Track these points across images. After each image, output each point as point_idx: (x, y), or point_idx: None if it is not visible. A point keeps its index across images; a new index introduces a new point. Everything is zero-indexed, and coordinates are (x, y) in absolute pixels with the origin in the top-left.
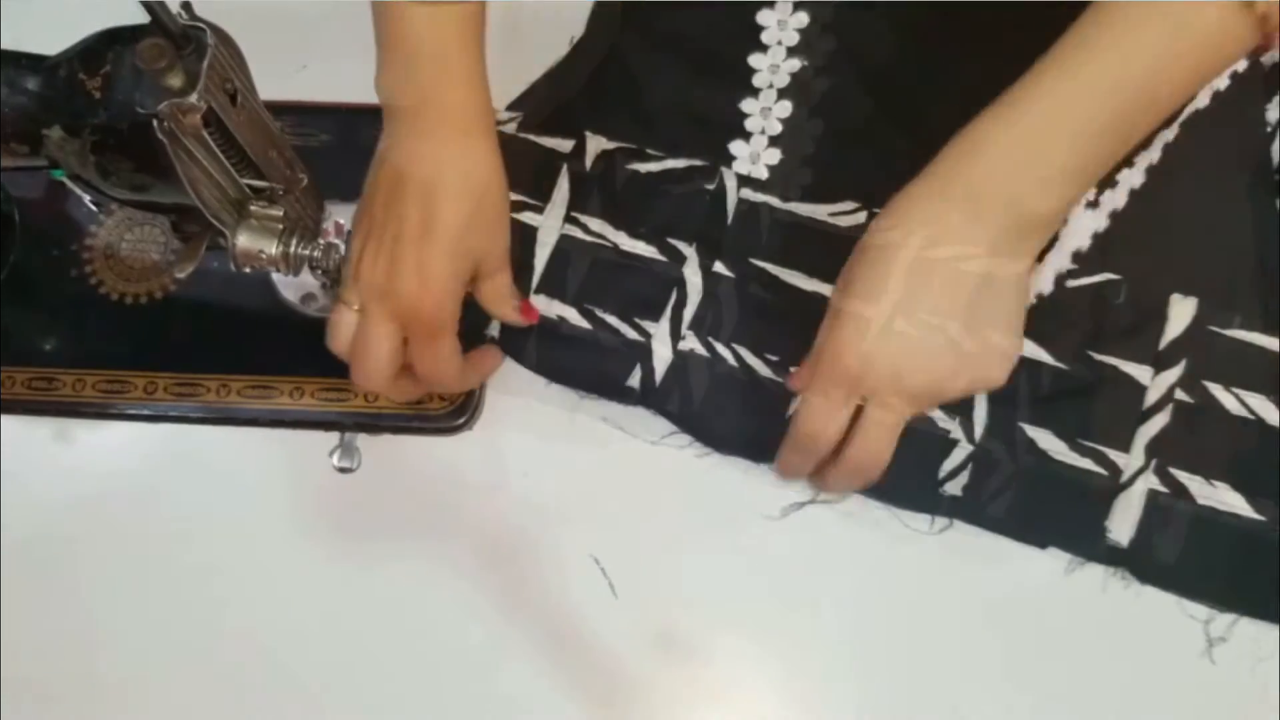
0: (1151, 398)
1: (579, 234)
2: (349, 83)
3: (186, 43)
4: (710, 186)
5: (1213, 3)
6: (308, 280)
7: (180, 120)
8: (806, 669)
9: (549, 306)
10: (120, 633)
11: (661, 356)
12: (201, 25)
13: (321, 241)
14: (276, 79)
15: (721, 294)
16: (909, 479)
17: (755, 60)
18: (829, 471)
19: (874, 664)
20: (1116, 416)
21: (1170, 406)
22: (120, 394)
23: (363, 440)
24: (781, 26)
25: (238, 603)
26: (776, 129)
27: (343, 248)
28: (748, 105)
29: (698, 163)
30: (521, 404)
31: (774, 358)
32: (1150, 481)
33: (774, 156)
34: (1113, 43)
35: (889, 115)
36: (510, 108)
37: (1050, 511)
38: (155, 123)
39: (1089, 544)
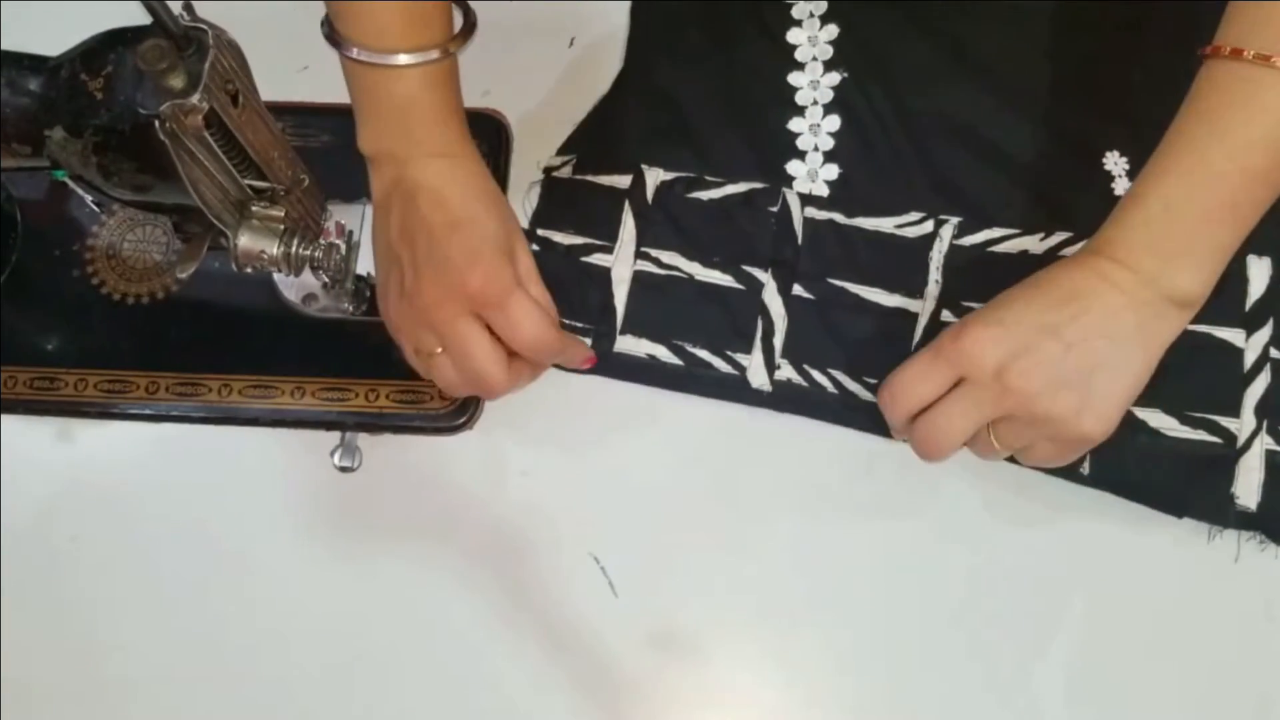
0: (1249, 359)
1: (652, 269)
2: None
3: (188, 44)
4: (774, 209)
5: None
6: (309, 280)
7: (182, 121)
8: (806, 669)
9: (638, 345)
10: (121, 632)
11: (759, 385)
12: (203, 26)
13: (323, 242)
14: (278, 80)
15: (806, 318)
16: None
17: (795, 79)
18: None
19: (875, 663)
20: (1220, 383)
21: (1269, 366)
22: (122, 394)
23: (363, 440)
24: (813, 43)
25: (238, 601)
26: (829, 144)
27: (343, 248)
28: (796, 124)
29: (758, 185)
30: (521, 404)
31: (872, 380)
32: (1266, 443)
33: (831, 172)
34: (1211, 139)
35: (935, 118)
36: (561, 151)
37: (1176, 485)
38: (157, 124)
39: (1221, 512)
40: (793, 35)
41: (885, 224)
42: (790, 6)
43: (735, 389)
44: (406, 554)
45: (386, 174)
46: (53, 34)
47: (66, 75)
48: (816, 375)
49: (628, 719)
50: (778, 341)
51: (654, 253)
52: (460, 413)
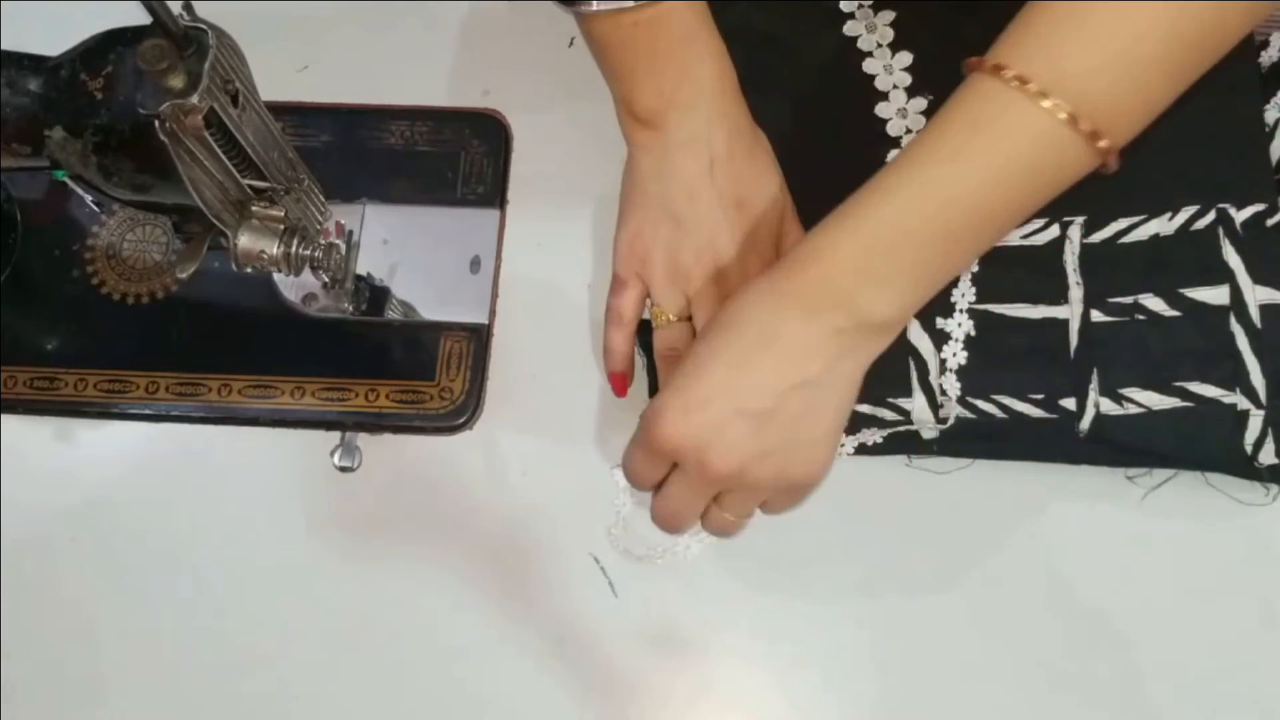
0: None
1: None
2: (349, 83)
3: (188, 44)
4: None
5: (1033, 130)
6: (309, 280)
7: (182, 121)
8: (806, 669)
9: None
10: (120, 632)
11: (928, 431)
12: (203, 26)
13: (322, 242)
14: (277, 80)
15: (956, 349)
16: (1219, 464)
17: (882, 110)
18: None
19: (875, 665)
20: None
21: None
22: (122, 394)
23: (363, 440)
24: (889, 71)
25: (238, 601)
26: None
27: (343, 248)
28: (894, 157)
29: None
30: (521, 404)
31: (1037, 396)
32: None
33: None
34: (945, 158)
35: None
36: None
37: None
38: (157, 123)
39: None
40: (868, 65)
41: (1011, 237)
42: (856, 40)
43: (905, 440)
44: (406, 554)
45: (671, 127)
46: (53, 34)
47: (66, 75)
48: (982, 405)
49: (627, 718)
50: (934, 380)
51: None
52: (460, 413)
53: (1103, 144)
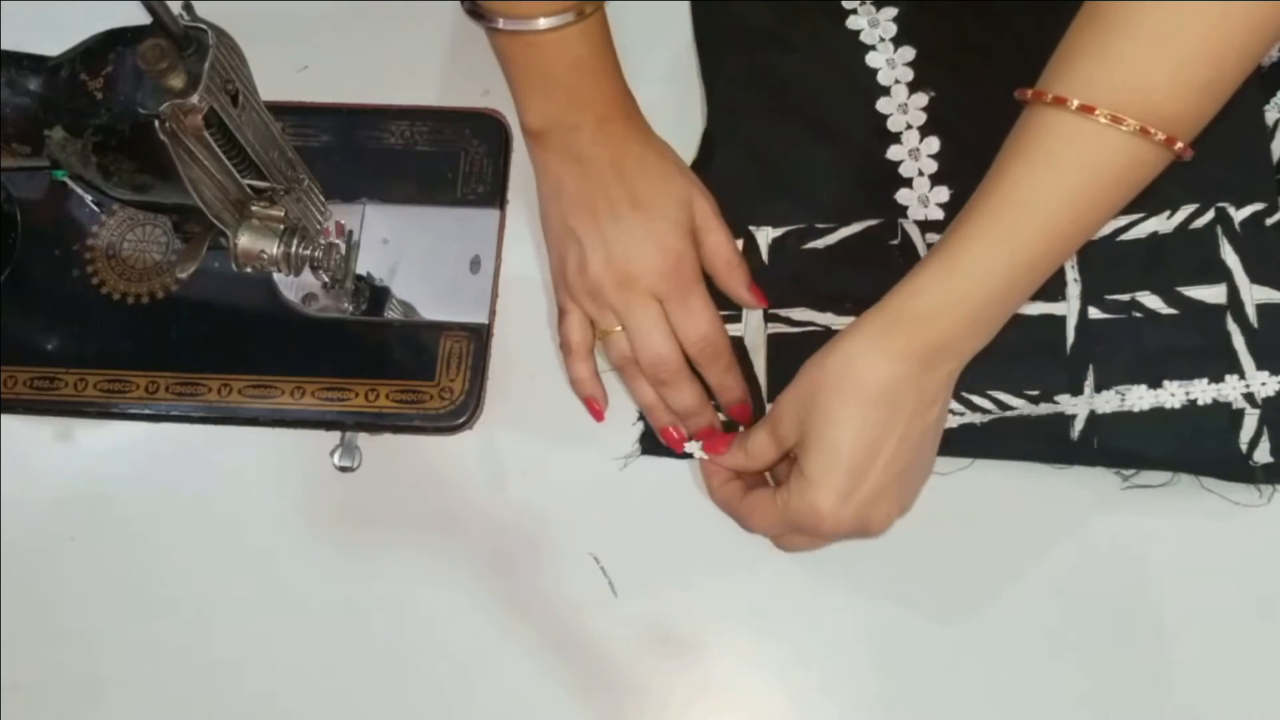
0: (1251, 313)
1: (786, 329)
2: (349, 83)
3: (188, 43)
4: (895, 242)
5: (1111, 152)
6: (309, 280)
7: (182, 121)
8: (806, 669)
9: None
10: (120, 632)
11: None
12: (203, 26)
13: (322, 242)
14: (277, 79)
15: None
16: (1214, 463)
17: (883, 105)
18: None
19: (875, 663)
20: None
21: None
22: (122, 393)
23: (363, 440)
24: (891, 65)
25: (238, 601)
26: (933, 167)
27: (343, 248)
28: (894, 152)
29: (872, 223)
30: (521, 404)
31: (1033, 392)
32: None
33: (942, 194)
34: (1032, 201)
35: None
36: None
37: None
38: (157, 123)
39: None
40: (871, 59)
41: None
42: (858, 34)
43: None
44: (406, 554)
45: (556, 146)
46: (53, 34)
47: (66, 75)
48: (977, 399)
49: (627, 718)
50: None
51: (783, 313)
52: (460, 412)
53: (1178, 146)
